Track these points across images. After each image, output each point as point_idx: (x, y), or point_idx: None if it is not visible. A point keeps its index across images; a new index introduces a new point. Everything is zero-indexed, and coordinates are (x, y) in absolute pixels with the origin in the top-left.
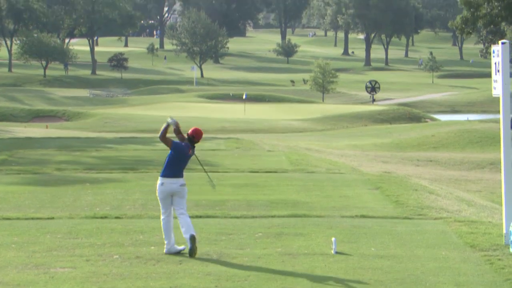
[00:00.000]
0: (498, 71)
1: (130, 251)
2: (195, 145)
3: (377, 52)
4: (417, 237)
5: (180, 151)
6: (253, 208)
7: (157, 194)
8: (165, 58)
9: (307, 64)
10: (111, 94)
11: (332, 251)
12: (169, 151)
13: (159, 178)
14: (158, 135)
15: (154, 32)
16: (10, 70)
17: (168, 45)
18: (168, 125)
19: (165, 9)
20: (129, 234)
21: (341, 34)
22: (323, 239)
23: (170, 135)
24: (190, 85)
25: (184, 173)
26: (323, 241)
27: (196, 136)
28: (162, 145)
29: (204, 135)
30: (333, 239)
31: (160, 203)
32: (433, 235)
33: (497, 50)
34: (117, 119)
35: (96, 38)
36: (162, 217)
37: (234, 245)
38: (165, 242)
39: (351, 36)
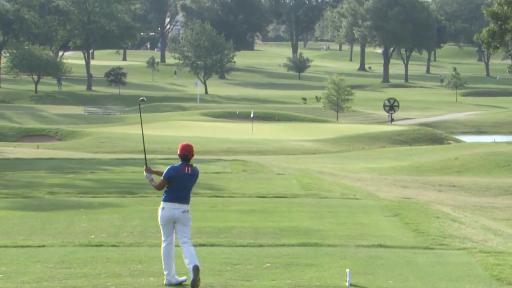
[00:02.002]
0: None
1: (127, 282)
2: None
3: (396, 67)
4: (439, 269)
5: (175, 175)
6: (261, 236)
7: (158, 220)
8: (175, 73)
9: (320, 80)
10: (108, 111)
11: (347, 283)
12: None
13: (161, 202)
14: (156, 190)
15: (148, 45)
16: None
17: (169, 59)
18: (150, 179)
19: (167, 20)
20: (126, 263)
21: (357, 48)
22: (336, 270)
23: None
24: (193, 103)
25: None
26: (336, 273)
27: (187, 152)
28: (163, 168)
29: (208, 157)
30: (347, 270)
31: (161, 229)
32: (456, 267)
33: None
34: (114, 138)
35: (92, 51)
36: (163, 244)
37: (240, 276)
38: (165, 272)
39: (368, 50)
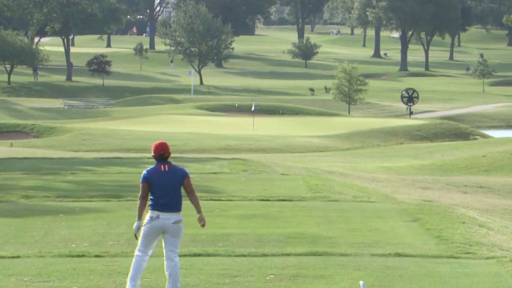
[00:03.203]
0: None
1: None
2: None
3: (415, 54)
4: (465, 280)
5: (152, 177)
6: (264, 244)
7: (143, 227)
8: (171, 61)
9: (329, 69)
10: (91, 105)
11: None
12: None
13: (149, 210)
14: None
15: (135, 29)
16: None
17: (160, 45)
18: (138, 227)
19: (157, 1)
20: (111, 276)
21: (371, 32)
22: (349, 282)
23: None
24: (186, 94)
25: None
26: (349, 285)
27: (163, 151)
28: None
29: (204, 155)
30: (361, 282)
31: (140, 239)
32: (484, 278)
33: None
34: (98, 135)
35: (72, 36)
36: (137, 253)
37: None
38: (129, 284)
39: (383, 34)
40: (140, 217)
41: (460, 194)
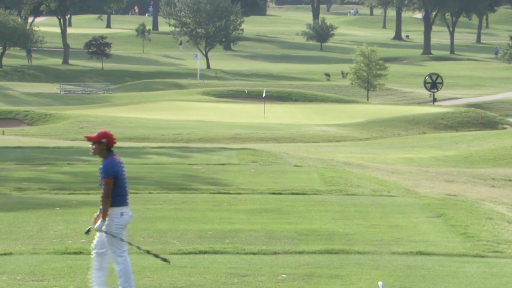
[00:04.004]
0: None
1: None
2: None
3: (440, 36)
4: (492, 281)
5: (117, 171)
6: (275, 241)
7: (111, 228)
8: (180, 43)
9: (346, 52)
10: (89, 90)
11: None
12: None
13: (114, 208)
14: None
15: (137, 9)
16: None
17: (163, 26)
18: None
19: None
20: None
21: (391, 12)
22: (366, 283)
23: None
24: (192, 79)
25: (184, 195)
26: (366, 286)
27: (113, 140)
28: (156, 158)
29: (211, 145)
30: (380, 283)
31: (115, 241)
32: None
33: None
34: (97, 123)
35: (69, 16)
36: (124, 255)
37: None
38: None
39: (405, 14)
40: (105, 217)
41: (487, 187)
